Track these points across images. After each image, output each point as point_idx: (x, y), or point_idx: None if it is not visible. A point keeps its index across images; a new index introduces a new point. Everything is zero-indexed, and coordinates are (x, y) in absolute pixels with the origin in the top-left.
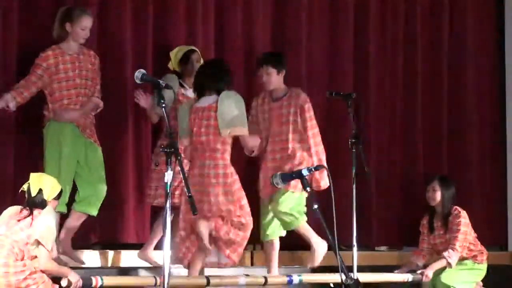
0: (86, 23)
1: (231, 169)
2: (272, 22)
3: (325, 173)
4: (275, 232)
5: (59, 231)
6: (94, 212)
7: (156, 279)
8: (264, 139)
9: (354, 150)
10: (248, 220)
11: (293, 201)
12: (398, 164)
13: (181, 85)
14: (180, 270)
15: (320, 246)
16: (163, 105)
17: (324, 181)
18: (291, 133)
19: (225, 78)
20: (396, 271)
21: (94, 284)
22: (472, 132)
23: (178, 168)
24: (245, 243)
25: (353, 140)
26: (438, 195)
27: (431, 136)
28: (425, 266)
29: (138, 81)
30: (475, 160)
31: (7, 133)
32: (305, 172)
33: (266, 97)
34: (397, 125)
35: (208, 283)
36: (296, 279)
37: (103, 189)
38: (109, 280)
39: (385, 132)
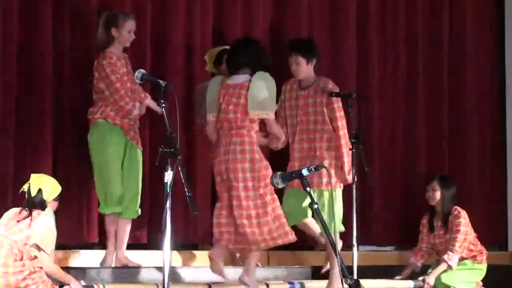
0: (131, 26)
1: (258, 147)
2: (271, 22)
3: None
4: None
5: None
6: (135, 215)
7: (158, 287)
8: (290, 126)
9: (354, 150)
10: (270, 204)
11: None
12: (400, 163)
13: None
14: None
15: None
16: (163, 105)
17: (350, 176)
18: (319, 123)
19: (262, 59)
20: (399, 277)
21: None
22: (472, 132)
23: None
24: (281, 221)
25: (353, 140)
26: (438, 195)
27: (432, 136)
28: (424, 266)
29: (138, 81)
30: (475, 160)
31: (7, 132)
32: (305, 172)
33: (295, 83)
34: (399, 125)
35: None
36: (297, 286)
37: (139, 190)
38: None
39: (387, 131)
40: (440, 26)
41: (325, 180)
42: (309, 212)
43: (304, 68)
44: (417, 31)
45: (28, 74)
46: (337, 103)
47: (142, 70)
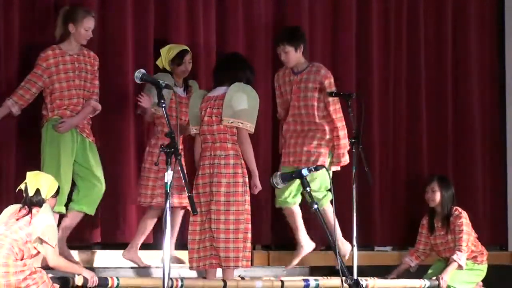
0: (89, 24)
1: (242, 160)
2: (273, 23)
3: (346, 150)
4: (290, 199)
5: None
6: (92, 211)
7: (172, 281)
8: (284, 110)
9: (354, 150)
10: (241, 223)
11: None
12: (403, 164)
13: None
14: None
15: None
16: (163, 105)
17: (345, 158)
18: (311, 108)
19: (245, 74)
20: (391, 275)
21: (110, 284)
22: (472, 132)
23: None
24: (246, 244)
25: (353, 140)
26: (438, 196)
27: (433, 136)
28: (420, 267)
29: (138, 81)
30: (475, 160)
31: (9, 132)
32: (305, 172)
33: (288, 69)
34: (400, 125)
35: (225, 286)
36: (313, 283)
37: (101, 188)
38: (125, 280)
39: (388, 132)
40: (442, 26)
41: (312, 158)
42: (298, 199)
43: (293, 56)
44: (419, 31)
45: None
46: (330, 88)
47: (142, 70)
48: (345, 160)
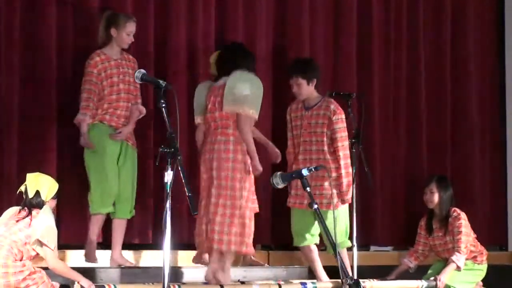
0: (131, 28)
1: (242, 146)
2: (274, 23)
3: (349, 188)
4: (310, 238)
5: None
6: (129, 216)
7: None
8: (296, 146)
9: (354, 150)
10: (244, 205)
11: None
12: (402, 164)
13: None
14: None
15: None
16: (163, 105)
17: (348, 196)
18: (321, 144)
19: (246, 62)
20: (389, 276)
21: None
22: (472, 132)
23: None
24: (245, 230)
25: (353, 140)
26: (436, 197)
27: (433, 137)
28: (420, 268)
29: (138, 81)
30: (475, 160)
31: (11, 131)
32: (305, 172)
33: (300, 103)
34: (401, 125)
35: None
36: (310, 286)
37: (134, 191)
38: (123, 287)
39: (388, 132)
40: (442, 26)
41: (325, 201)
42: (316, 239)
43: (306, 89)
44: (419, 31)
45: (32, 72)
46: (338, 124)
47: (142, 70)
48: (348, 199)
